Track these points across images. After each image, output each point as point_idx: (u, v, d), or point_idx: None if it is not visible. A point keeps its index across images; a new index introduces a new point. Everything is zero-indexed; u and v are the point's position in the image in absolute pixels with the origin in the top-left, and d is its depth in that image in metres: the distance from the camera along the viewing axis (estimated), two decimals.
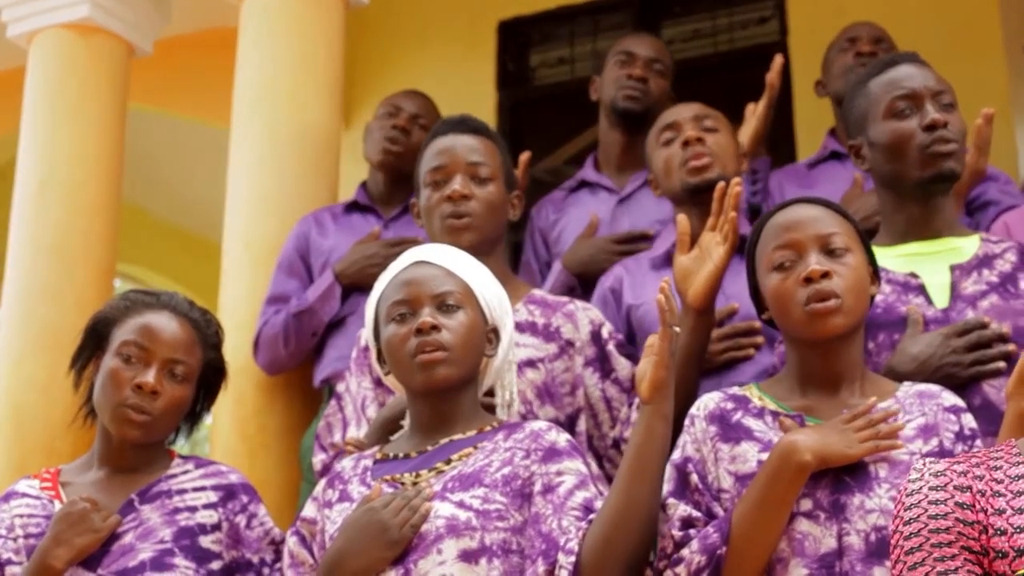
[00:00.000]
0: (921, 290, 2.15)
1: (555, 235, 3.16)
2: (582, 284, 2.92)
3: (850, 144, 2.32)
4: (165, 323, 2.19)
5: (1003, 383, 2.01)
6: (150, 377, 2.13)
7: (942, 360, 2.03)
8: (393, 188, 3.36)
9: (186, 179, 6.37)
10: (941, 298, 2.14)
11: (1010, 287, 2.14)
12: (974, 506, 1.48)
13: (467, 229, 2.32)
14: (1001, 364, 2.04)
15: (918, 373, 2.01)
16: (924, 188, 2.21)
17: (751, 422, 1.90)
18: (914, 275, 2.16)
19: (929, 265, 2.18)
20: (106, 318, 2.24)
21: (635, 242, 2.96)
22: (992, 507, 1.47)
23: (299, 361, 3.29)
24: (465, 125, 2.44)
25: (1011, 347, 2.04)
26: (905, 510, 1.52)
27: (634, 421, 1.97)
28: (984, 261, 2.18)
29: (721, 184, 2.27)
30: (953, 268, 2.17)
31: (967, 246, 2.21)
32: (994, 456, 1.54)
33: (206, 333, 2.24)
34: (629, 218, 3.08)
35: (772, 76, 3.08)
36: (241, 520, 2.16)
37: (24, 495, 2.21)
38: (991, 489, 1.49)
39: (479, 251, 2.27)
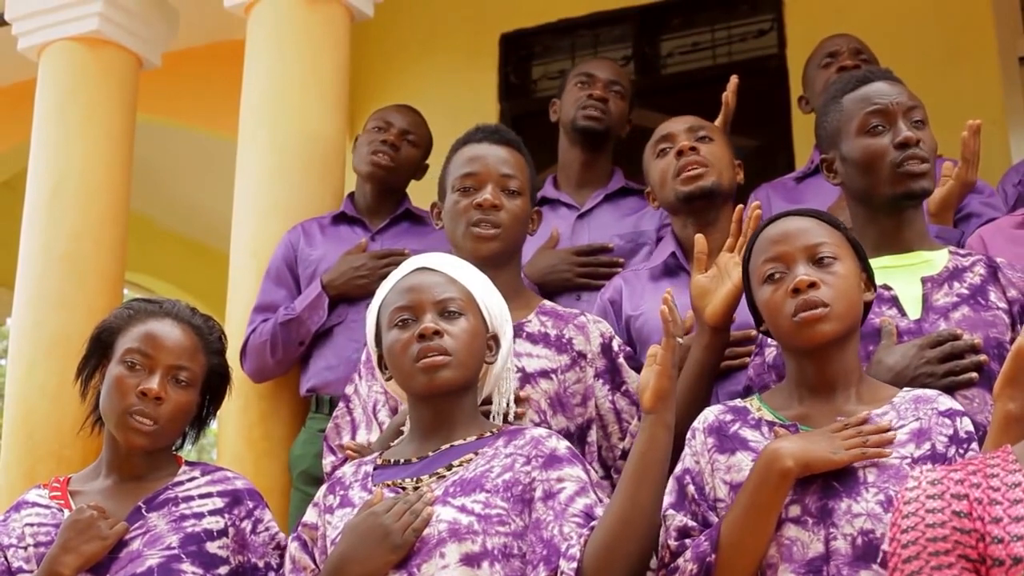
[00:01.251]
0: (894, 302, 2.17)
1: None
2: (543, 294, 2.97)
3: (822, 158, 2.34)
4: (168, 330, 2.21)
5: (975, 394, 2.05)
6: (154, 384, 2.15)
7: (916, 371, 2.05)
8: (380, 200, 3.40)
9: (194, 189, 6.40)
10: (913, 310, 2.16)
11: (980, 299, 2.15)
12: (971, 514, 1.49)
13: (493, 239, 2.34)
14: (973, 375, 2.06)
15: (893, 384, 2.02)
16: (895, 204, 2.23)
17: (747, 433, 1.92)
18: (887, 287, 2.18)
19: (901, 277, 2.20)
20: (110, 327, 2.26)
21: (595, 254, 3.01)
22: (989, 515, 1.48)
23: (286, 370, 3.32)
24: (499, 136, 2.45)
25: (983, 358, 2.06)
26: (903, 518, 1.54)
27: (638, 430, 1.98)
28: (954, 274, 2.20)
29: (740, 207, 2.30)
30: (924, 280, 2.19)
31: (937, 259, 2.23)
32: (991, 464, 1.55)
33: (209, 339, 2.26)
34: (588, 233, 3.12)
35: (727, 95, 3.13)
36: (247, 525, 2.18)
37: (34, 504, 2.23)
38: (988, 497, 1.50)
39: (498, 261, 2.31)
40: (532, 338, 2.33)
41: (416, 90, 4.48)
